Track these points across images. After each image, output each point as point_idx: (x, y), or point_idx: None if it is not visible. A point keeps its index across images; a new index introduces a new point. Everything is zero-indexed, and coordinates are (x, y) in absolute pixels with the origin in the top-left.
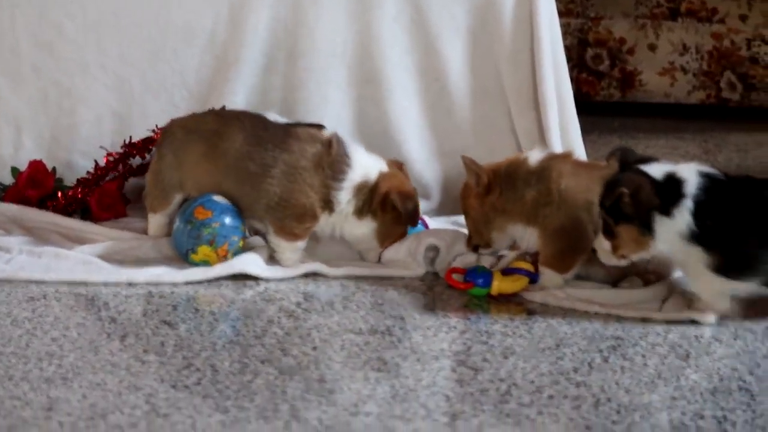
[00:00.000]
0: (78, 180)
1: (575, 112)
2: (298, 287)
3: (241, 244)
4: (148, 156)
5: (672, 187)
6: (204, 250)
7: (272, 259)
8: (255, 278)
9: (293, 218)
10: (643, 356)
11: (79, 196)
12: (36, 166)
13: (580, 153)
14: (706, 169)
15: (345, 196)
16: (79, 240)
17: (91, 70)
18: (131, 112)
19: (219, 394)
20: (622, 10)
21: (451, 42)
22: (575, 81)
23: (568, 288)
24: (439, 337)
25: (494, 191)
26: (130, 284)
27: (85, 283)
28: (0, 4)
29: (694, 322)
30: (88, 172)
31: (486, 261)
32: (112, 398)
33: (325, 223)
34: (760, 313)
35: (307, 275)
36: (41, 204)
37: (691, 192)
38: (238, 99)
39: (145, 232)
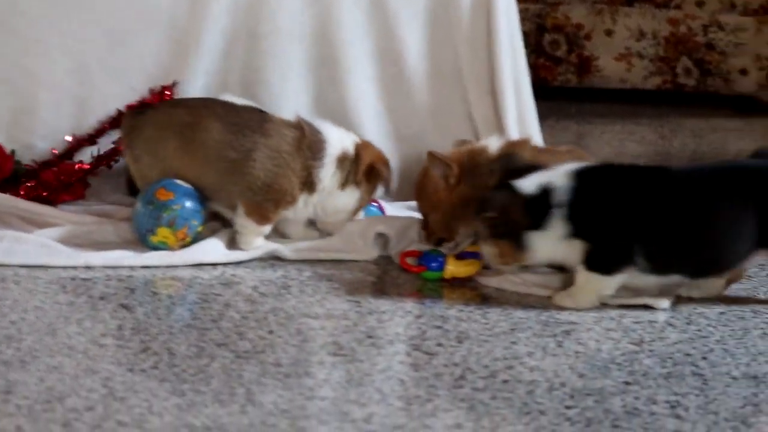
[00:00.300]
0: (41, 162)
1: (532, 97)
2: (255, 271)
3: (200, 228)
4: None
5: (543, 199)
6: (163, 232)
7: (231, 243)
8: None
9: (272, 202)
10: (597, 341)
11: (36, 168)
12: None
13: (537, 138)
14: (580, 166)
15: (328, 172)
16: (39, 223)
17: (50, 52)
18: (91, 96)
19: (176, 378)
20: None
21: (410, 26)
22: (533, 66)
23: (522, 273)
24: (394, 321)
25: (463, 182)
26: (88, 267)
27: (44, 267)
28: None
29: (647, 307)
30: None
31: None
32: (69, 381)
33: (304, 205)
34: (713, 299)
35: (263, 259)
36: (0, 187)
37: (561, 200)
38: (197, 82)
39: (104, 215)
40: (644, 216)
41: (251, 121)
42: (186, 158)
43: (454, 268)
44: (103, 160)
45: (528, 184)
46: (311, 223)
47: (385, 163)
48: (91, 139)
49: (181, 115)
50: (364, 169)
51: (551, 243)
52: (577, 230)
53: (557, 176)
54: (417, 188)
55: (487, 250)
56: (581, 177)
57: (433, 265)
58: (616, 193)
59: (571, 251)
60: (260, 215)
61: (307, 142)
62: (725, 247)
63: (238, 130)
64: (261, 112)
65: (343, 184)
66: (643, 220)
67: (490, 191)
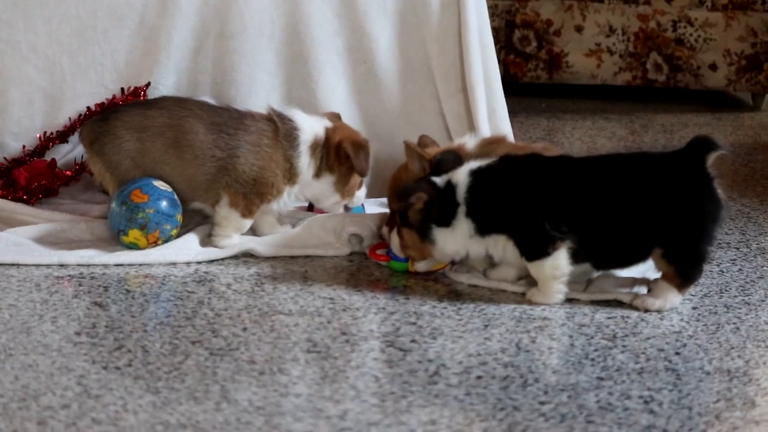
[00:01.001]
0: (12, 160)
1: (503, 93)
2: (228, 269)
3: (173, 233)
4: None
5: (450, 196)
6: (135, 234)
7: (206, 240)
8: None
9: (257, 195)
10: (570, 337)
11: (8, 166)
12: None
13: (508, 134)
14: (480, 163)
15: (305, 161)
16: (11, 221)
17: (21, 50)
18: (62, 94)
19: (150, 375)
20: None
21: (379, 23)
22: (503, 62)
23: (492, 270)
24: (368, 318)
25: None
26: (62, 266)
27: (16, 265)
28: None
29: (619, 302)
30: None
31: None
32: (44, 379)
33: (288, 196)
34: (685, 294)
35: (237, 256)
36: None
37: (462, 198)
38: (168, 81)
39: (78, 213)
40: (545, 200)
41: (230, 119)
42: (173, 160)
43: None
44: (87, 167)
45: (441, 179)
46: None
47: (355, 142)
48: (61, 136)
49: (156, 116)
50: (333, 152)
51: (457, 239)
52: (480, 227)
53: (461, 174)
54: (392, 183)
55: (393, 239)
56: (477, 175)
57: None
58: (509, 185)
59: (490, 248)
60: (244, 207)
61: (282, 132)
62: (622, 238)
63: (220, 129)
64: (236, 109)
65: (318, 173)
66: (544, 204)
67: (411, 182)
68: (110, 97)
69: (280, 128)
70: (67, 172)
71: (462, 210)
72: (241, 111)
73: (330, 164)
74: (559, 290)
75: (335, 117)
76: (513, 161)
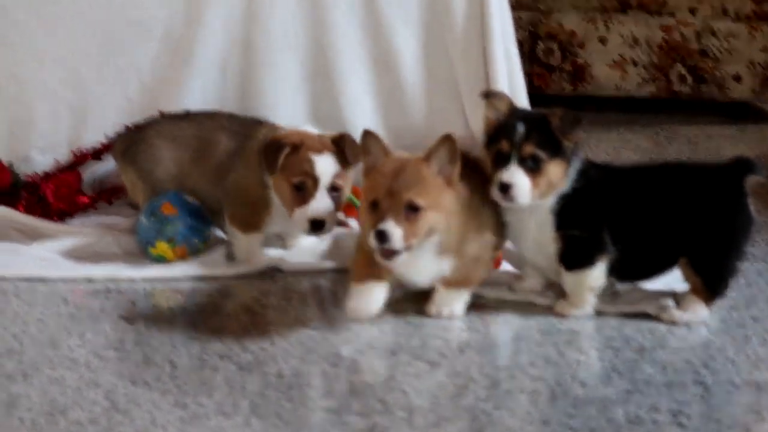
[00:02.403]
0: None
1: (528, 105)
2: (256, 283)
3: (201, 247)
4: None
5: None
6: (162, 246)
7: (231, 257)
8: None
9: (247, 207)
10: (598, 350)
11: (37, 182)
12: None
13: None
14: None
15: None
16: (37, 236)
17: (47, 64)
18: (87, 107)
19: (178, 390)
20: (573, 3)
21: (404, 34)
22: (527, 74)
23: (518, 282)
24: (396, 331)
25: None
26: (89, 280)
27: (43, 280)
28: None
29: (646, 315)
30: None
31: None
32: (71, 394)
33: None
34: (713, 308)
35: (265, 271)
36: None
37: None
38: (193, 94)
39: (106, 227)
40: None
41: (248, 128)
42: (196, 170)
43: None
44: (104, 196)
45: None
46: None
47: (272, 139)
48: (95, 154)
49: (187, 127)
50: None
51: None
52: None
53: None
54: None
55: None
56: None
57: None
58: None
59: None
60: (240, 222)
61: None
62: (652, 248)
63: (234, 138)
64: (257, 120)
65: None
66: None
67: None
68: (133, 110)
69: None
70: (84, 199)
71: None
72: (262, 121)
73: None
74: (591, 302)
75: (325, 136)
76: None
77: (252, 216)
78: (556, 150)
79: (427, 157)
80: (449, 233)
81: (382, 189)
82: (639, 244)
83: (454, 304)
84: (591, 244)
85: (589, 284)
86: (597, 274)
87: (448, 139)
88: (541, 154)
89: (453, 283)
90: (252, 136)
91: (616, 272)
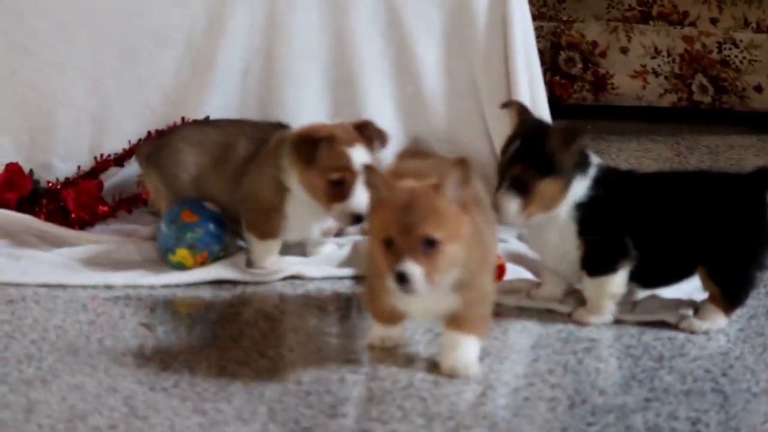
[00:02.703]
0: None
1: (549, 115)
2: (275, 289)
3: (221, 254)
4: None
5: None
6: (182, 253)
7: (250, 264)
8: (232, 281)
9: (259, 212)
10: (617, 358)
11: (58, 187)
12: (13, 168)
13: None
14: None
15: (286, 165)
16: (57, 243)
17: (67, 72)
18: (108, 115)
19: (197, 396)
20: (594, 13)
21: (426, 44)
22: (548, 84)
23: (537, 290)
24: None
25: None
26: (108, 287)
27: (63, 286)
28: None
29: (666, 324)
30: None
31: None
32: (91, 400)
33: (293, 207)
34: (732, 315)
35: (284, 278)
36: (19, 206)
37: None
38: (215, 103)
39: (126, 234)
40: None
41: (266, 132)
42: (215, 176)
43: None
44: (123, 204)
45: None
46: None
47: (302, 133)
48: (118, 160)
49: (211, 132)
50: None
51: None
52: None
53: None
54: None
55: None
56: None
57: None
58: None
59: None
60: (256, 229)
61: (275, 141)
62: (672, 256)
63: (254, 143)
64: (279, 124)
65: (288, 177)
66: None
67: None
68: (154, 118)
69: (277, 136)
70: (104, 208)
71: None
72: (280, 127)
73: (291, 164)
74: (611, 310)
75: (350, 123)
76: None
77: (266, 222)
78: (549, 168)
79: (440, 185)
80: (466, 264)
81: (395, 225)
82: (658, 251)
83: (468, 354)
84: (613, 249)
85: (610, 291)
86: (619, 281)
87: (461, 164)
88: (530, 174)
89: (464, 323)
90: (267, 141)
91: (636, 279)
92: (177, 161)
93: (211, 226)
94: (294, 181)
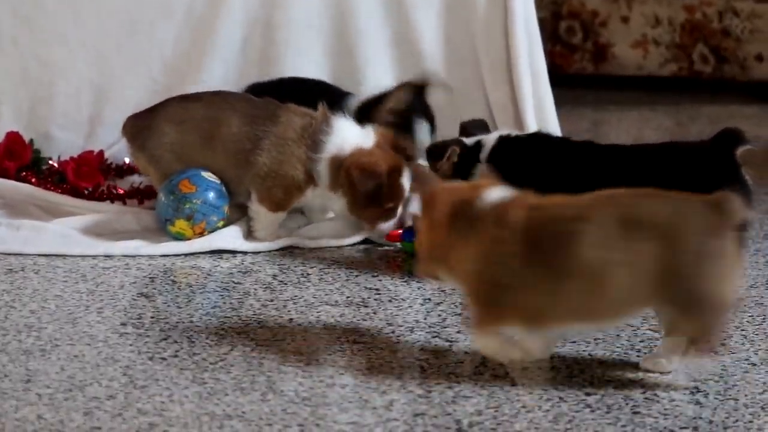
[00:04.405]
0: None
1: (549, 85)
2: (274, 259)
3: (220, 224)
4: None
5: (473, 155)
6: (181, 224)
7: (251, 234)
8: (232, 251)
9: (280, 188)
10: (618, 329)
11: (57, 166)
12: (13, 137)
13: (554, 126)
14: (513, 132)
15: (323, 168)
16: (57, 213)
17: (69, 42)
18: (109, 86)
19: (196, 366)
20: None
21: (426, 14)
22: (548, 54)
23: None
24: (414, 308)
25: None
26: (108, 257)
27: (63, 256)
28: None
29: None
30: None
31: None
32: (90, 370)
33: (312, 196)
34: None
35: (283, 247)
36: (19, 175)
37: (484, 157)
38: (215, 73)
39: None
40: (553, 184)
41: (266, 110)
42: (207, 153)
43: None
44: (137, 195)
45: (470, 140)
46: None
47: (367, 170)
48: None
49: (197, 108)
50: (343, 175)
51: None
52: None
53: (491, 138)
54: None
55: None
56: (505, 142)
57: (406, 236)
58: (528, 160)
59: None
60: (270, 202)
61: (312, 130)
62: None
63: (252, 121)
64: (276, 103)
65: (333, 187)
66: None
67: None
68: (155, 88)
69: (313, 126)
70: (120, 190)
71: (481, 169)
72: (280, 104)
73: (341, 185)
74: None
75: (387, 138)
76: (544, 138)
77: (284, 197)
78: None
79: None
80: None
81: None
82: None
83: None
84: None
85: None
86: None
87: None
88: None
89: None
90: (276, 120)
91: None
92: (161, 142)
93: (210, 197)
94: (340, 201)
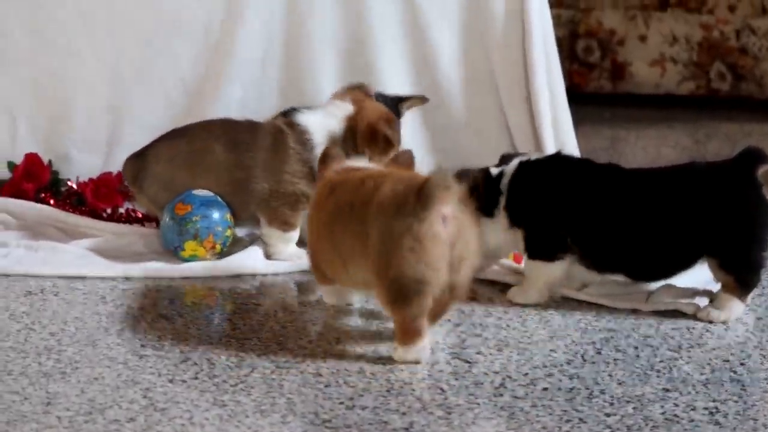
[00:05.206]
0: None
1: (567, 103)
2: (294, 280)
3: (228, 233)
4: None
5: (496, 185)
6: (190, 246)
7: (269, 256)
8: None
9: (286, 206)
10: (636, 348)
11: (75, 187)
12: (32, 159)
13: (572, 145)
14: (533, 156)
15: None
16: (76, 234)
17: (85, 60)
18: (126, 105)
19: (216, 388)
20: (612, 1)
21: (444, 33)
22: (566, 72)
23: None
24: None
25: None
26: (127, 278)
27: (82, 278)
28: None
29: (681, 313)
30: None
31: None
32: (110, 392)
33: None
34: (751, 304)
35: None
36: (38, 196)
37: (505, 186)
38: (234, 91)
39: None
40: (573, 207)
41: (246, 135)
42: (202, 185)
43: None
44: (156, 220)
45: (497, 169)
46: None
47: (387, 119)
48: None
49: (182, 143)
50: (366, 137)
51: (498, 232)
52: (512, 219)
53: (512, 165)
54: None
55: None
56: (523, 167)
57: None
58: (548, 184)
59: (514, 241)
60: (280, 222)
61: (291, 140)
62: (661, 250)
63: (237, 148)
64: (253, 122)
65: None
66: (572, 211)
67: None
68: (173, 108)
69: (289, 135)
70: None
71: (502, 200)
72: (256, 124)
73: (360, 150)
74: (544, 295)
75: (357, 92)
76: (564, 161)
77: (292, 213)
78: None
79: None
80: None
81: None
82: (645, 245)
83: None
84: (553, 239)
85: (545, 280)
86: (554, 272)
87: None
88: None
89: None
90: (260, 145)
91: (626, 271)
92: (155, 181)
93: (207, 211)
94: None
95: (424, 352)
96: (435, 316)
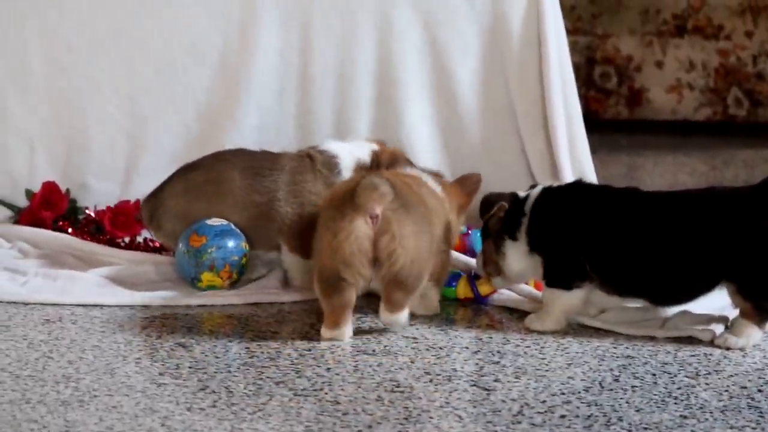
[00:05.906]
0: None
1: (584, 130)
2: (312, 308)
3: (243, 261)
4: None
5: (520, 208)
6: (207, 277)
7: (286, 282)
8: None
9: (309, 231)
10: (654, 375)
11: (93, 215)
12: (50, 187)
13: (589, 171)
14: (557, 183)
15: None
16: (94, 263)
17: (102, 89)
18: (143, 133)
19: (234, 416)
20: (629, 27)
21: (462, 62)
22: (583, 99)
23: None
24: (451, 357)
25: None
26: (145, 306)
27: (100, 306)
28: (11, 23)
29: (698, 339)
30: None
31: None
32: (128, 421)
33: None
34: (766, 329)
35: None
36: (55, 225)
37: (528, 209)
38: (251, 121)
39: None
40: (594, 233)
41: (265, 161)
42: (218, 213)
43: (464, 289)
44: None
45: (525, 192)
46: None
47: (408, 158)
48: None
49: (197, 175)
50: (387, 162)
51: (520, 255)
52: (531, 244)
53: (537, 189)
54: None
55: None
56: (547, 192)
57: (448, 282)
58: (568, 211)
59: (534, 267)
60: (303, 249)
61: (319, 163)
62: (682, 273)
63: (256, 173)
64: (271, 152)
65: None
66: (592, 237)
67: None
68: (190, 136)
69: (317, 158)
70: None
71: (525, 223)
72: (275, 153)
73: None
74: (561, 323)
75: (380, 142)
76: (583, 188)
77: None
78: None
79: None
80: None
81: None
82: (665, 269)
83: None
84: (572, 267)
85: (563, 308)
86: (572, 300)
87: None
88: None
89: None
90: (282, 169)
91: (648, 296)
92: (172, 216)
93: (222, 241)
94: None
95: (345, 335)
96: (389, 302)
